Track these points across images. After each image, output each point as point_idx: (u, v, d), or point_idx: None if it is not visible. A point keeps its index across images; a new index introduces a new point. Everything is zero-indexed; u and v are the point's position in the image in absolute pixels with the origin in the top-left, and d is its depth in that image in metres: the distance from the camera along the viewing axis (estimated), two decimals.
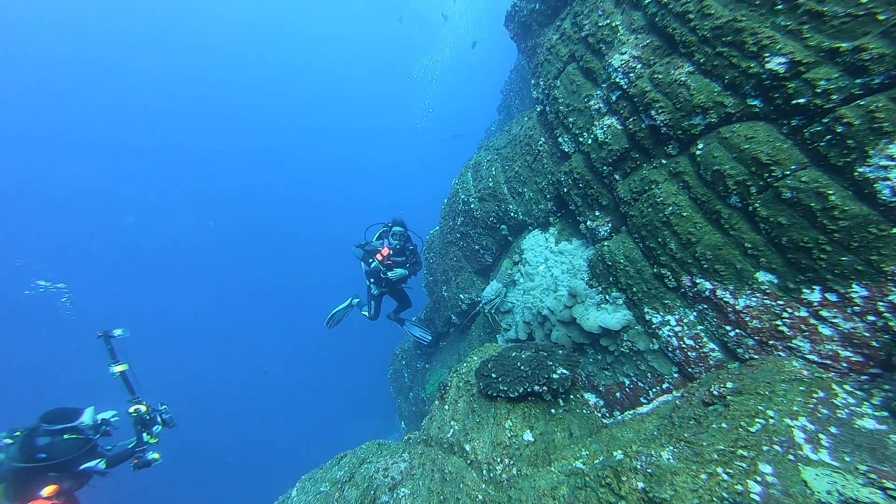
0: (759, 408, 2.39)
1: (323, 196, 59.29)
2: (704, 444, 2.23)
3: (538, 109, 6.34)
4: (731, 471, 2.10)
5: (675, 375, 4.11)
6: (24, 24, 40.06)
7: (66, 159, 44.50)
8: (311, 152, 60.09)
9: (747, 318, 3.31)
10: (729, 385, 2.60)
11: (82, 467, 4.85)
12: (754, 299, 3.27)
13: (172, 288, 42.53)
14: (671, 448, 2.25)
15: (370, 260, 7.83)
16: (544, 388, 3.08)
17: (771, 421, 2.33)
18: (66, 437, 4.94)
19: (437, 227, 9.28)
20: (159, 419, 5.56)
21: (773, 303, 3.15)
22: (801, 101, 2.84)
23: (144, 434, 5.34)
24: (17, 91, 40.90)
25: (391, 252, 7.73)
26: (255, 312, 42.51)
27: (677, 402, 2.99)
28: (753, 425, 2.32)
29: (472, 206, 7.29)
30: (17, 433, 4.91)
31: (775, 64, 2.92)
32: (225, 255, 47.35)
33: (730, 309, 3.43)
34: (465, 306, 7.80)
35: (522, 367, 3.15)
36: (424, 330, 9.44)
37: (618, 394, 4.68)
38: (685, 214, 3.67)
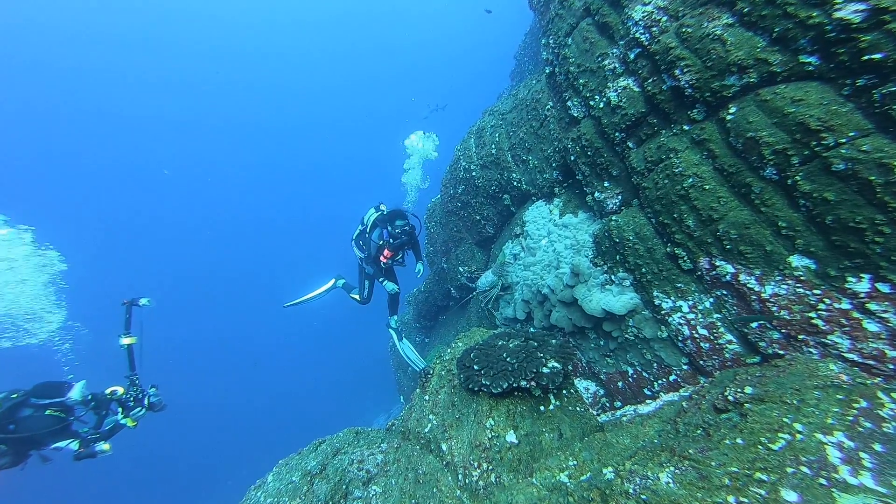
0: (785, 420, 1.99)
1: (318, 179, 57.52)
2: (713, 464, 1.85)
3: (547, 71, 5.72)
4: (745, 500, 1.72)
5: (685, 368, 3.72)
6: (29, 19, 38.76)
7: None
8: (306, 137, 57.89)
9: (774, 309, 2.87)
10: (748, 390, 2.20)
11: (52, 446, 4.67)
12: (784, 287, 2.81)
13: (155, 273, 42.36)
14: (672, 469, 1.88)
15: (372, 252, 7.16)
16: (532, 383, 2.71)
17: (798, 436, 1.93)
18: (47, 412, 4.76)
19: (439, 196, 8.81)
20: (146, 402, 5.31)
21: (808, 292, 2.70)
22: (877, 56, 2.28)
23: (122, 417, 5.13)
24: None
25: (392, 251, 7.07)
26: (244, 297, 42.17)
27: (684, 404, 2.61)
28: (776, 441, 1.93)
29: (474, 173, 6.79)
30: (14, 395, 4.74)
31: (849, 12, 2.34)
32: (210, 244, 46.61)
33: (754, 297, 2.98)
34: (465, 279, 7.43)
35: (508, 359, 2.78)
36: (418, 356, 8.51)
37: (620, 383, 4.32)
38: (708, 187, 3.17)
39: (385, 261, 7.09)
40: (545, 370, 2.80)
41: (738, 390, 2.24)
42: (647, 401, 3.82)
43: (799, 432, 1.94)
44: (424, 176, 10.85)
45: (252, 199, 52.54)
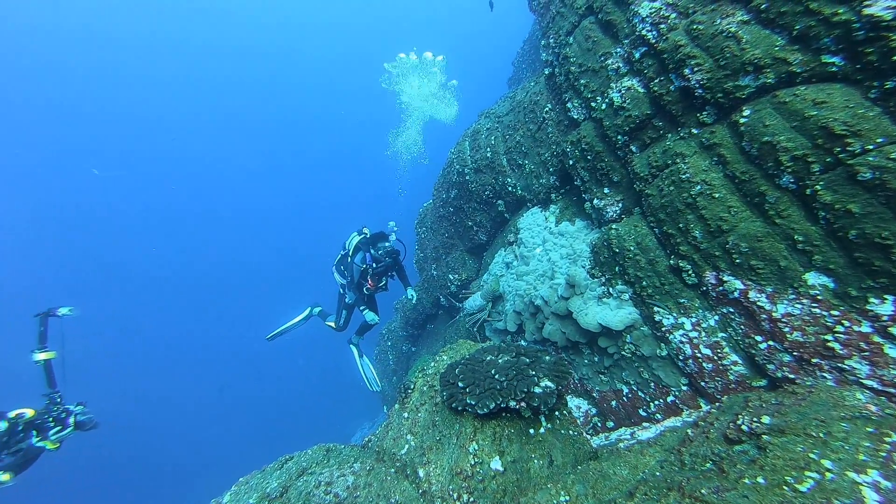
0: (811, 456, 1.74)
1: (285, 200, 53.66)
2: None
3: (546, 73, 5.53)
4: None
5: (684, 388, 3.48)
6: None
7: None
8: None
9: (786, 329, 2.63)
10: (765, 420, 1.95)
11: None
12: (798, 306, 2.58)
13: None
14: None
15: (355, 278, 6.82)
16: (522, 404, 2.44)
17: (829, 475, 1.68)
18: None
19: (431, 201, 8.56)
20: (71, 421, 4.81)
21: (825, 312, 2.47)
22: None
23: (37, 440, 4.56)
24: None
25: (375, 281, 6.80)
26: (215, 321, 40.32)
27: (689, 431, 2.35)
28: (803, 481, 1.68)
29: (468, 177, 6.55)
30: None
31: (881, 9, 2.15)
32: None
33: (764, 316, 2.75)
34: (455, 287, 7.15)
35: (497, 377, 2.51)
36: (375, 377, 8.13)
37: (613, 402, 4.07)
38: (717, 196, 2.95)
39: (372, 287, 6.78)
40: (537, 390, 2.52)
41: (754, 419, 1.99)
42: (644, 423, 3.56)
43: (829, 470, 1.69)
44: (422, 153, 9.82)
45: (223, 195, 49.68)
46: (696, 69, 3.04)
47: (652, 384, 3.68)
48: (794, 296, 2.60)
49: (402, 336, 10.07)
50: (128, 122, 44.28)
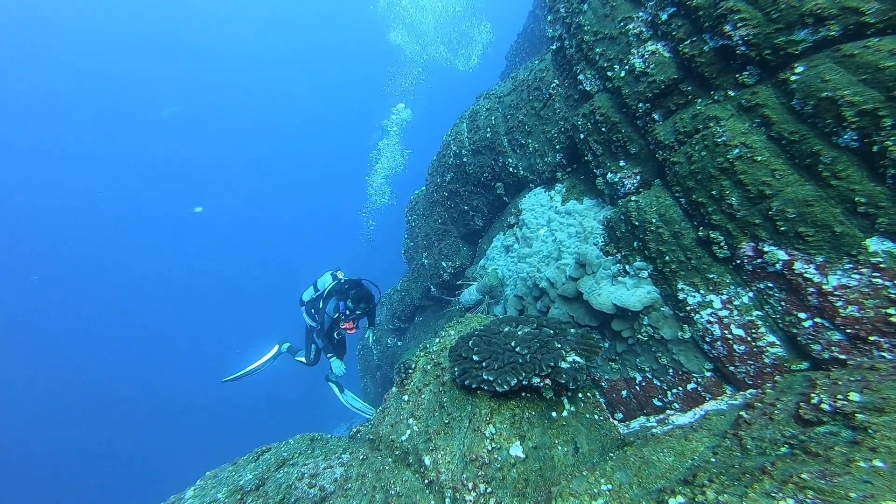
0: None
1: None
2: (853, 496, 1.26)
3: (554, 48, 5.23)
4: None
5: (708, 374, 3.18)
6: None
7: None
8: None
9: (839, 304, 2.35)
10: (854, 397, 1.64)
11: None
12: (856, 276, 2.31)
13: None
14: (791, 501, 1.28)
15: (325, 327, 6.45)
16: (547, 381, 2.07)
17: None
18: None
19: (423, 188, 8.17)
20: None
21: (889, 283, 2.20)
22: None
23: None
24: None
25: (353, 323, 6.43)
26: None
27: (744, 413, 2.03)
28: None
29: (465, 159, 6.19)
30: None
31: None
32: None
33: (812, 289, 2.47)
34: (447, 276, 6.77)
35: (518, 349, 2.14)
36: (365, 403, 7.62)
37: (624, 392, 3.75)
38: (760, 159, 2.66)
39: (351, 332, 6.38)
40: (564, 365, 2.17)
41: (837, 397, 1.67)
42: (669, 411, 3.25)
43: None
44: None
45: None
46: (739, 24, 2.75)
47: (671, 370, 3.37)
48: (850, 265, 2.32)
49: (388, 329, 9.61)
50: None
